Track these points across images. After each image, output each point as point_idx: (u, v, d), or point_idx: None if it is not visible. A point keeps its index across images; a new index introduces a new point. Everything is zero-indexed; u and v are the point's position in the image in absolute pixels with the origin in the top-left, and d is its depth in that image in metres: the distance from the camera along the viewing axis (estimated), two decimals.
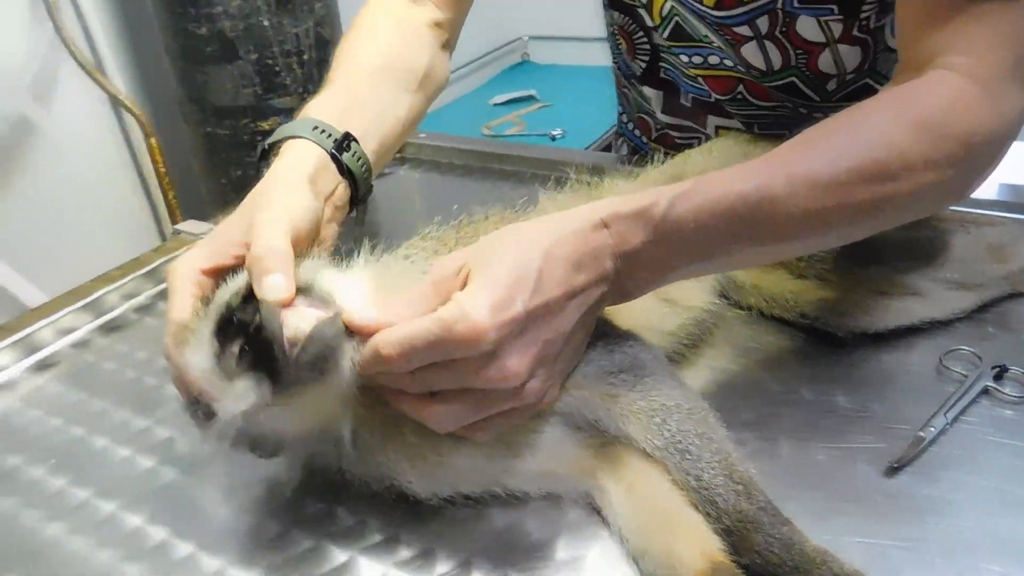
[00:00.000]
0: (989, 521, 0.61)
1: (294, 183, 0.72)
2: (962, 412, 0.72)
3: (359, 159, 0.79)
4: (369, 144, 0.81)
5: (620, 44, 1.13)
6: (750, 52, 0.96)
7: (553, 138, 2.47)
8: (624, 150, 1.31)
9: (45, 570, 0.64)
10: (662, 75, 1.09)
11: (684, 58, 1.02)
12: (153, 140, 1.61)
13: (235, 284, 0.62)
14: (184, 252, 0.70)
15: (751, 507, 0.58)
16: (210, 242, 0.69)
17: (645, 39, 1.08)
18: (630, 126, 1.25)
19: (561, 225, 0.62)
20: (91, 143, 1.70)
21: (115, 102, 1.66)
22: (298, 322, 0.56)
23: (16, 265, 1.39)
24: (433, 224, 0.78)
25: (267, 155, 0.78)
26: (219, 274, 0.65)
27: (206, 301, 0.62)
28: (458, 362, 0.57)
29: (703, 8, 0.94)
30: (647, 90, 1.13)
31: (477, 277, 0.58)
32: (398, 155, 1.43)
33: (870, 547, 0.59)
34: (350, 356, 0.58)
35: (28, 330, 0.93)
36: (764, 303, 0.86)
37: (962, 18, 0.69)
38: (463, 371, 0.57)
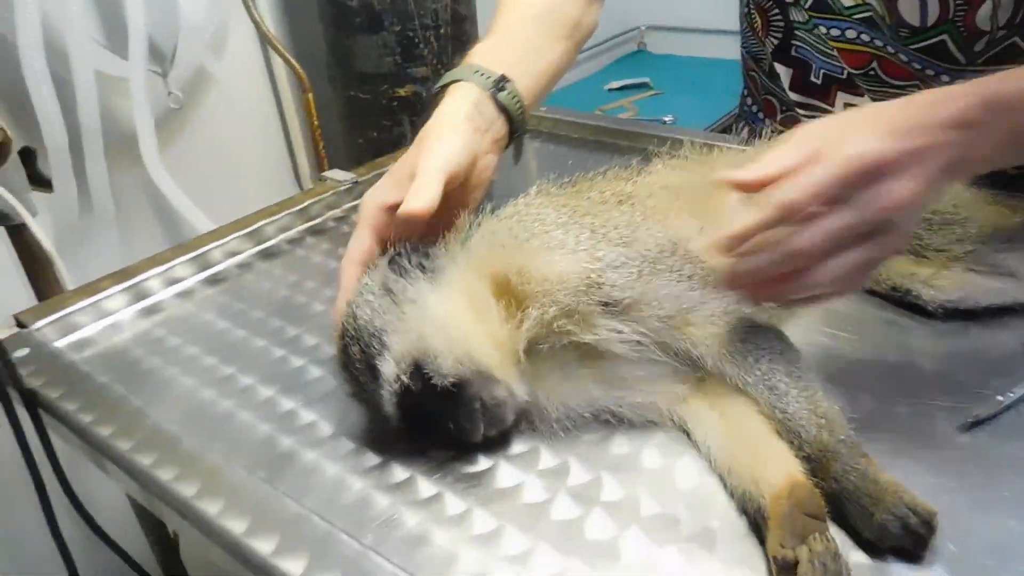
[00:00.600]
0: None
1: (454, 123, 0.84)
2: None
3: (514, 98, 0.90)
4: (526, 83, 0.92)
5: (755, 22, 1.18)
6: (907, 6, 0.97)
7: (664, 123, 2.51)
8: (744, 134, 1.36)
9: (219, 435, 0.77)
10: (793, 52, 1.13)
11: (823, 30, 1.06)
12: (310, 96, 1.77)
13: None
14: (370, 189, 0.85)
15: (832, 439, 0.64)
16: (387, 180, 0.83)
17: (780, 16, 1.12)
18: (754, 108, 1.30)
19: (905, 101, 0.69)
20: (254, 95, 1.92)
21: (280, 60, 1.84)
22: None
23: (191, 195, 1.59)
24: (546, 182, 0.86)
25: (436, 97, 0.90)
26: (394, 209, 0.78)
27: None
28: (854, 199, 0.63)
29: None
30: (778, 67, 1.17)
31: (860, 123, 0.67)
32: None
33: (937, 490, 0.63)
34: None
35: (202, 249, 1.08)
36: None
37: None
38: (860, 206, 0.63)
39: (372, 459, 0.73)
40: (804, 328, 0.86)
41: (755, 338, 0.72)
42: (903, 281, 0.87)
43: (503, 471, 0.70)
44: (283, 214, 1.17)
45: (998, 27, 0.96)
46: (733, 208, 0.81)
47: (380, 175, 1.28)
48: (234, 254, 1.11)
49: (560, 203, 0.80)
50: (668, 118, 2.50)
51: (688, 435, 0.73)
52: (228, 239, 1.11)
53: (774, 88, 1.20)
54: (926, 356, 0.81)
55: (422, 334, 0.68)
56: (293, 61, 1.81)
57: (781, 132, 1.05)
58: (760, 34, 1.18)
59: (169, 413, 0.79)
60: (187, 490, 0.67)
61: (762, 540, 0.61)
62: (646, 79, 2.92)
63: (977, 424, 0.72)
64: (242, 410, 0.81)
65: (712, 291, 0.73)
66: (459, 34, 1.63)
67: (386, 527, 0.65)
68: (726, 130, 2.27)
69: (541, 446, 0.73)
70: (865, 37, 1.03)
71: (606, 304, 0.71)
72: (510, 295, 0.72)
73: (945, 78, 1.01)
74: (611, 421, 0.74)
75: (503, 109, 0.90)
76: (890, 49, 1.02)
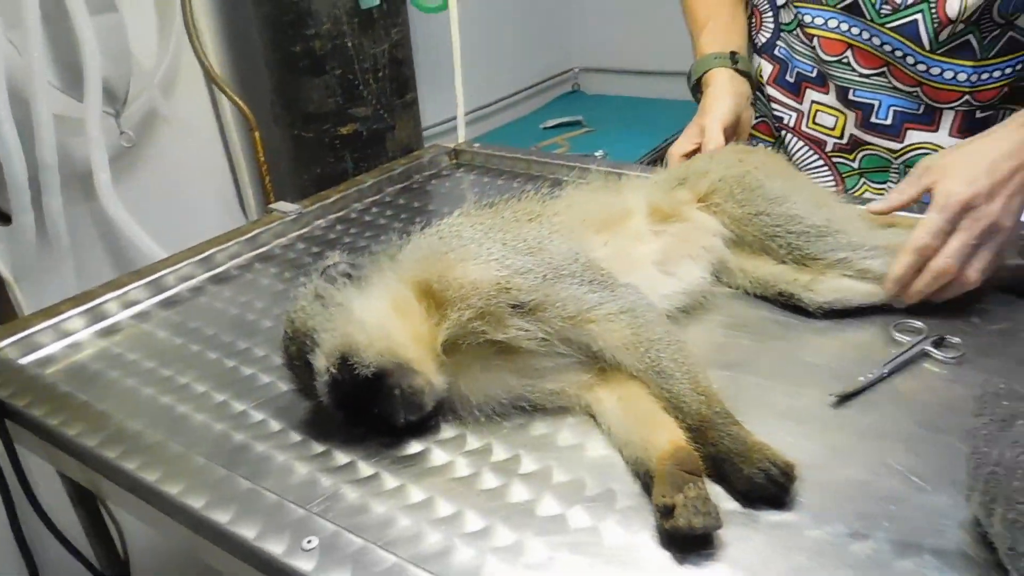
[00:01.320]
0: (905, 441, 0.77)
1: (721, 93, 1.28)
2: (900, 367, 0.88)
3: (745, 64, 1.34)
4: (741, 49, 1.35)
5: (752, 20, 1.43)
6: None
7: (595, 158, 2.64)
8: None
9: (178, 433, 0.85)
10: (776, 51, 1.37)
11: (808, 18, 1.27)
12: (257, 134, 1.86)
13: None
14: (673, 144, 1.27)
15: (709, 411, 0.76)
16: (683, 138, 1.26)
17: (772, 15, 1.37)
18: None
19: (989, 134, 0.99)
20: (203, 133, 2.01)
21: (229, 101, 1.94)
22: None
23: (144, 227, 1.66)
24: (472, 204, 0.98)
25: (698, 86, 1.34)
26: (689, 156, 1.22)
27: None
28: (962, 221, 0.92)
29: None
30: (763, 62, 1.40)
31: (947, 173, 0.95)
32: (453, 160, 1.65)
33: (808, 452, 0.75)
34: None
35: (156, 275, 1.17)
36: (749, 283, 1.04)
37: None
38: (967, 227, 0.92)
39: (317, 448, 0.82)
40: (704, 328, 0.98)
41: (646, 332, 0.84)
42: (787, 287, 1.00)
43: (434, 453, 0.80)
44: (233, 242, 1.26)
45: (960, 20, 1.14)
46: (635, 230, 0.99)
47: (324, 206, 1.39)
48: (187, 279, 1.19)
49: (477, 222, 0.91)
50: (599, 153, 2.64)
51: (594, 417, 0.84)
52: (181, 265, 1.19)
53: (758, 81, 1.42)
54: (806, 348, 0.94)
55: (347, 332, 0.79)
56: (240, 102, 1.91)
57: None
58: (753, 31, 1.43)
59: (131, 416, 0.87)
60: (151, 475, 0.75)
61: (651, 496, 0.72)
62: (579, 117, 3.08)
63: (843, 400, 0.84)
64: (198, 412, 0.89)
65: (610, 293, 0.85)
66: (397, 76, 1.74)
67: (330, 500, 0.74)
68: (654, 163, 2.42)
69: (467, 432, 0.83)
70: (844, 26, 1.24)
71: (515, 306, 0.82)
72: (432, 299, 0.83)
73: (910, 59, 1.19)
74: (527, 408, 0.85)
75: (743, 73, 1.32)
76: (865, 35, 1.22)
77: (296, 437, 0.84)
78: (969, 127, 1.20)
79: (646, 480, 0.74)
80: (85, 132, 1.62)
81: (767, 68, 1.39)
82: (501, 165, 1.59)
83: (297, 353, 0.82)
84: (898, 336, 0.93)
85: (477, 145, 1.67)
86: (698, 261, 1.04)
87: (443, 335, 0.81)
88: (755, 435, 0.74)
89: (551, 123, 3.06)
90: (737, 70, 1.32)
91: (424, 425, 0.82)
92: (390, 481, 0.76)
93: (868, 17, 1.19)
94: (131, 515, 0.84)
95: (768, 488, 0.70)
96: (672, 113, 3.26)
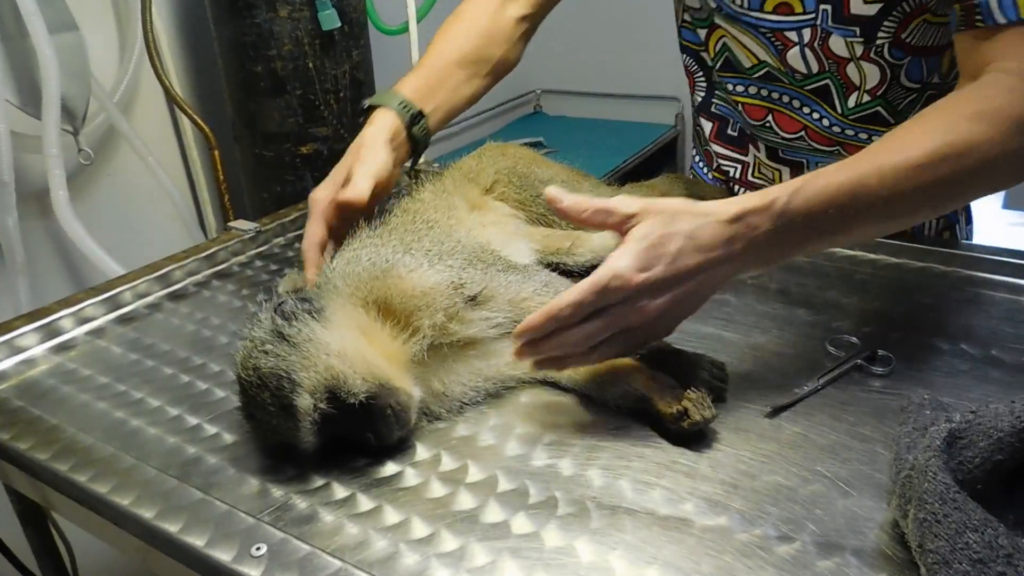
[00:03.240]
0: (833, 449, 0.81)
1: (380, 143, 1.09)
2: (834, 379, 0.92)
3: (424, 132, 1.16)
4: (436, 116, 1.18)
5: (688, 81, 1.40)
6: (794, 57, 1.15)
7: None
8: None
9: (131, 446, 0.86)
10: (713, 109, 1.36)
11: (730, 87, 1.27)
12: (216, 153, 1.88)
13: None
14: (315, 188, 1.08)
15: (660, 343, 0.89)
16: (328, 182, 1.08)
17: (704, 77, 1.35)
18: (697, 158, 1.50)
19: (704, 214, 0.80)
20: (162, 151, 2.01)
21: (189, 120, 1.96)
22: None
23: (102, 245, 1.66)
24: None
25: (364, 112, 1.15)
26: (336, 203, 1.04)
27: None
28: (613, 306, 0.78)
29: (762, 16, 1.14)
30: (702, 120, 1.39)
31: (631, 242, 0.78)
32: (414, 179, 1.67)
33: (745, 459, 0.79)
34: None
35: (113, 292, 1.17)
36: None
37: (1009, 35, 0.88)
38: (618, 319, 0.79)
39: (267, 460, 0.83)
40: None
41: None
42: (553, 257, 1.12)
43: (386, 465, 0.82)
44: (190, 260, 1.27)
45: (866, 87, 1.14)
46: (468, 222, 1.10)
47: (283, 224, 1.41)
48: (144, 296, 1.20)
49: (387, 242, 0.96)
50: None
51: (556, 384, 0.92)
52: (138, 282, 1.20)
53: (706, 138, 1.42)
54: (744, 362, 0.98)
55: (328, 365, 0.78)
56: (200, 121, 1.93)
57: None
58: (689, 91, 1.41)
59: (83, 430, 0.88)
60: (102, 487, 0.76)
61: (652, 420, 0.85)
62: (540, 138, 3.14)
63: (778, 411, 0.88)
64: (151, 426, 0.90)
65: (524, 275, 0.95)
66: (358, 97, 1.77)
67: (280, 510, 0.75)
68: (610, 184, 2.47)
69: (416, 442, 0.85)
70: (764, 91, 1.23)
71: (470, 299, 0.88)
72: (393, 316, 0.86)
73: (826, 122, 1.20)
74: (503, 390, 0.92)
75: (413, 139, 1.16)
76: (785, 98, 1.21)
77: (248, 448, 0.85)
78: None
79: (640, 403, 0.85)
80: (43, 149, 1.62)
81: (707, 126, 1.39)
82: None
83: (271, 399, 0.78)
84: (832, 351, 0.97)
85: (436, 165, 1.70)
86: (524, 242, 1.14)
87: (418, 345, 0.85)
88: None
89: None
90: (411, 133, 1.15)
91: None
92: (339, 491, 0.78)
93: (787, 82, 1.20)
94: (82, 529, 0.84)
95: (714, 383, 0.87)
96: (632, 135, 3.34)
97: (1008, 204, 4.28)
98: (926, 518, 0.64)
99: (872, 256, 1.20)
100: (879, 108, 1.16)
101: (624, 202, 0.81)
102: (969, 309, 1.06)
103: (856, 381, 0.92)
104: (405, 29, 1.62)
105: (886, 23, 1.07)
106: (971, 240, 1.36)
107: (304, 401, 0.76)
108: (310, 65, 1.68)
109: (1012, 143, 0.83)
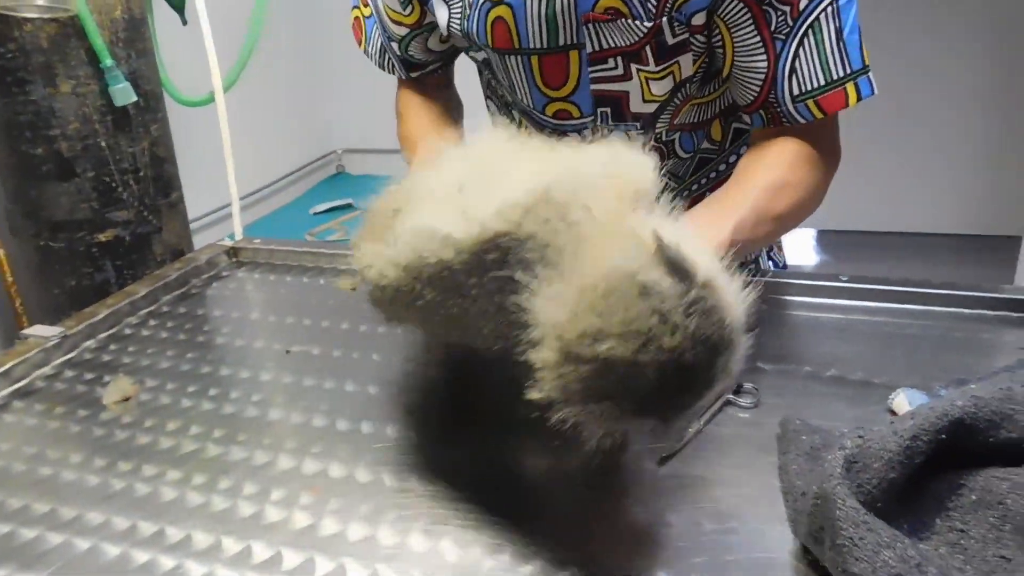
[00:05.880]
0: (726, 485, 0.85)
1: None
2: (713, 417, 0.96)
3: None
4: None
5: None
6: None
7: None
8: None
9: None
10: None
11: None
12: (2, 252, 1.62)
13: None
14: None
15: None
16: None
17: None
18: None
19: None
20: None
21: None
22: None
23: None
24: None
25: None
26: None
27: None
28: None
29: (544, 118, 1.21)
30: None
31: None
32: (233, 259, 1.56)
33: (640, 511, 0.80)
34: None
35: None
36: None
37: (791, 131, 1.09)
38: None
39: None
40: None
41: None
42: None
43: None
44: None
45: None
46: None
47: (92, 324, 1.25)
48: None
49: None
50: None
51: None
52: None
53: None
54: None
55: None
56: None
57: None
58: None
59: None
60: None
61: None
62: (349, 200, 3.07)
63: (668, 458, 0.90)
64: None
65: None
66: (159, 175, 1.63)
67: None
68: None
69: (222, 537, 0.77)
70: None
71: None
72: None
73: None
74: None
75: None
76: None
77: None
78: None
79: None
80: None
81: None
82: (285, 260, 1.54)
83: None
84: None
85: (257, 241, 1.60)
86: None
87: None
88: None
89: (320, 208, 3.03)
90: None
91: None
92: None
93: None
94: None
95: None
96: None
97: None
98: (844, 543, 0.67)
99: None
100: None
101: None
102: (808, 334, 1.16)
103: (731, 416, 0.97)
104: (210, 100, 1.51)
105: (663, 116, 1.18)
106: (785, 264, 1.50)
107: None
108: (103, 144, 1.51)
109: (823, 179, 1.10)
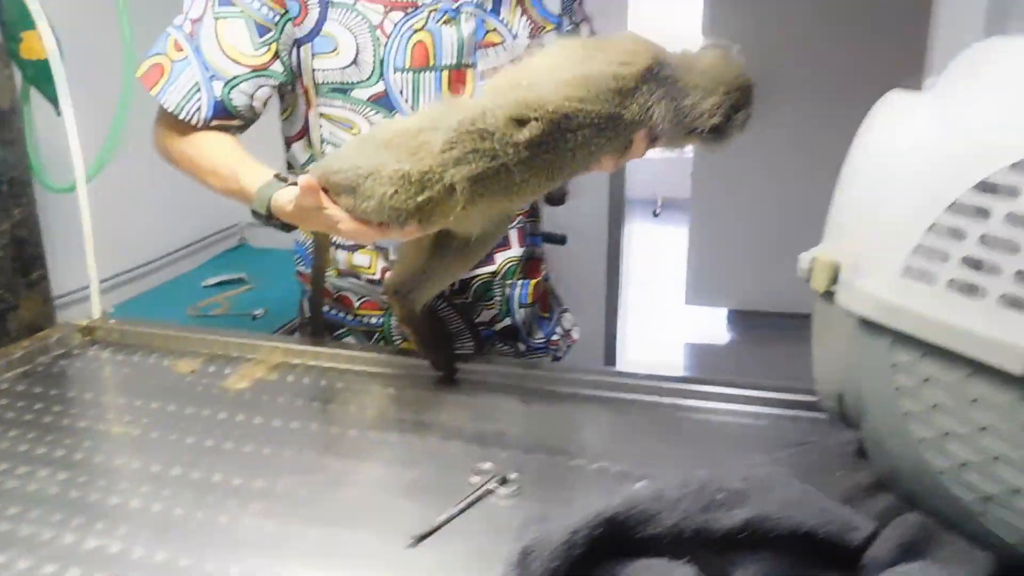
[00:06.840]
0: (472, 571, 0.95)
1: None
2: (472, 504, 1.06)
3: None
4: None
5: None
6: None
7: (254, 317, 2.69)
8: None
9: None
10: None
11: None
12: None
13: None
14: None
15: None
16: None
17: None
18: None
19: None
20: None
21: None
22: None
23: None
24: None
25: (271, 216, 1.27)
26: None
27: None
28: None
29: None
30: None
31: None
32: (87, 337, 1.63)
33: None
34: None
35: None
36: None
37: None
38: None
39: None
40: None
41: None
42: None
43: None
44: None
45: None
46: None
47: None
48: None
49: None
50: (259, 311, 2.70)
51: None
52: None
53: None
54: (383, 493, 1.10)
55: None
56: None
57: None
58: None
59: None
60: None
61: None
62: (242, 275, 3.14)
63: (420, 540, 1.00)
64: None
65: None
66: (20, 256, 1.69)
67: None
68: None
69: None
70: None
71: None
72: None
73: None
74: None
75: None
76: None
77: None
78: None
79: None
80: None
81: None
82: (137, 340, 1.61)
83: None
84: (473, 479, 1.11)
85: (113, 321, 1.67)
86: None
87: None
88: None
89: (212, 281, 3.08)
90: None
91: None
92: None
93: None
94: None
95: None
96: None
97: (689, 300, 5.12)
98: None
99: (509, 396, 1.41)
100: None
101: None
102: (586, 426, 1.29)
103: (490, 504, 1.07)
104: (72, 188, 1.62)
105: None
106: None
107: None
108: None
109: None
